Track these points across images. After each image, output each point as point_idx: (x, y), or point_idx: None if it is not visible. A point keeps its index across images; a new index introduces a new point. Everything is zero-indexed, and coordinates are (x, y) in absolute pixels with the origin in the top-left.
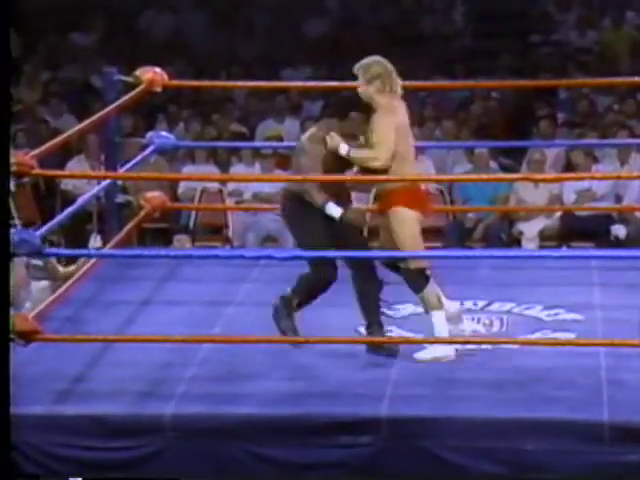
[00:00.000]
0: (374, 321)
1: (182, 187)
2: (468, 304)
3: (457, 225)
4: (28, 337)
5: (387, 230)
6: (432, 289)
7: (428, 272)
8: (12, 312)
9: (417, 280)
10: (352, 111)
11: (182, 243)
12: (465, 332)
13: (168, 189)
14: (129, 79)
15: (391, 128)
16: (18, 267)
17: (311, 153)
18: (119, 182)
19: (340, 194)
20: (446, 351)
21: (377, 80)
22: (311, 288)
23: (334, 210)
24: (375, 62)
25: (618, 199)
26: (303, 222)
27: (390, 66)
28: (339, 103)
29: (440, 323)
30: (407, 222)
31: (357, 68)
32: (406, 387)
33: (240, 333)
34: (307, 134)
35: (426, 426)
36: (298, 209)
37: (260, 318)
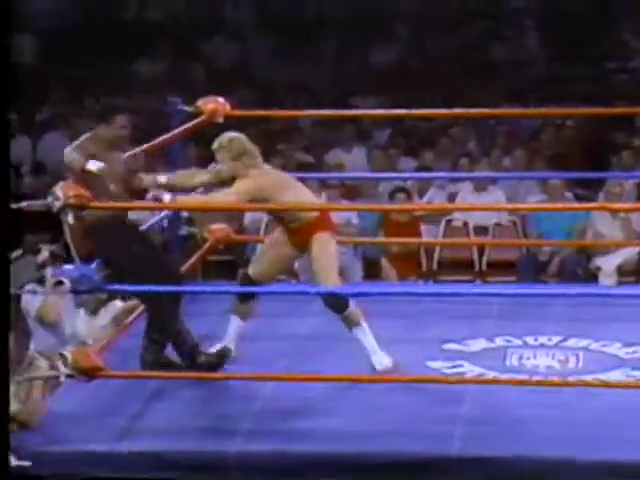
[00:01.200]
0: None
1: (248, 218)
2: (542, 339)
3: (531, 259)
4: (90, 374)
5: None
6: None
7: None
8: (73, 348)
9: (338, 300)
10: None
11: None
12: (539, 368)
13: (234, 221)
14: (191, 109)
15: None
16: (57, 300)
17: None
18: (184, 213)
19: None
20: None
21: (243, 156)
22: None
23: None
24: (236, 138)
25: None
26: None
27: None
28: None
29: (367, 336)
30: (331, 244)
31: (217, 145)
32: (476, 425)
33: (307, 369)
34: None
35: (498, 466)
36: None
37: (329, 352)
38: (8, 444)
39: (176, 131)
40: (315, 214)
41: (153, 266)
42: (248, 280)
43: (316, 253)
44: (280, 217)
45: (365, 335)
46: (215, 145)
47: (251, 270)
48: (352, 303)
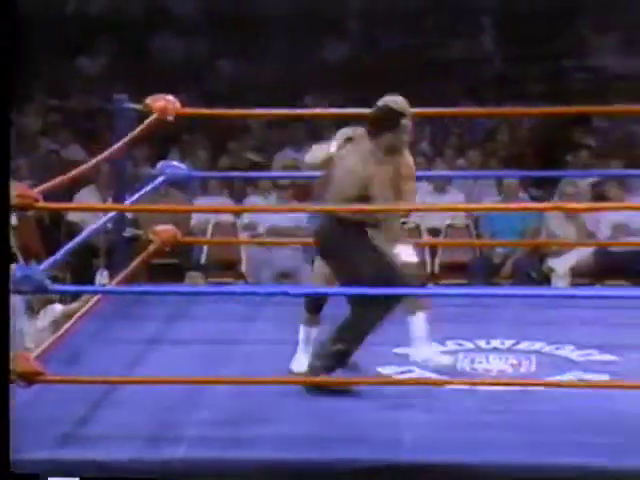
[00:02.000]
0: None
1: (194, 220)
2: (495, 343)
3: (484, 261)
4: (30, 378)
5: None
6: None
7: None
8: (12, 352)
9: None
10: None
11: (194, 280)
12: (492, 372)
13: (182, 223)
14: (140, 107)
15: None
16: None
17: None
18: (128, 215)
19: None
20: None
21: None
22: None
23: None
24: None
25: None
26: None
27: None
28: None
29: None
30: None
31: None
32: (425, 430)
33: (254, 374)
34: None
35: (448, 473)
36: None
37: (273, 358)
38: (8, 444)
39: (135, 132)
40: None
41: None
42: None
43: None
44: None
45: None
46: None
47: None
48: None
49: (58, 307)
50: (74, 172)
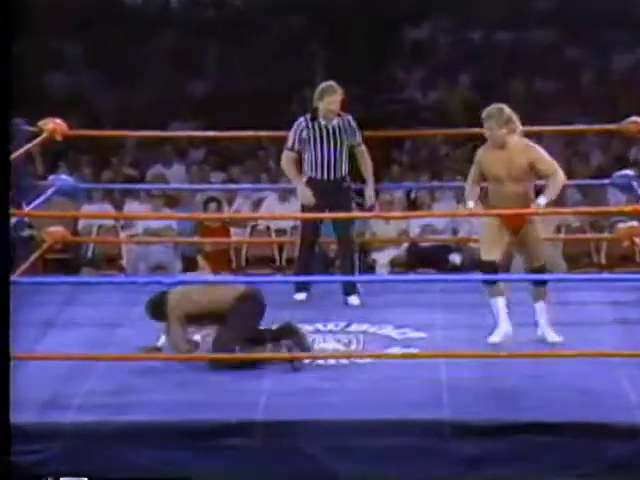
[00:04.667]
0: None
1: (82, 223)
2: (330, 326)
3: (322, 255)
4: None
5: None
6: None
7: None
8: None
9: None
10: None
11: (88, 274)
12: (327, 350)
13: (70, 225)
14: (34, 129)
15: None
16: None
17: None
18: (26, 219)
19: None
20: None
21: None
22: None
23: None
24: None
25: (454, 232)
26: None
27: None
28: None
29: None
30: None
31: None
32: (277, 396)
33: (132, 351)
34: None
35: (296, 429)
36: None
37: (151, 337)
38: (8, 444)
39: (25, 147)
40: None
41: None
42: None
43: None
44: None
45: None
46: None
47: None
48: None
49: None
50: None
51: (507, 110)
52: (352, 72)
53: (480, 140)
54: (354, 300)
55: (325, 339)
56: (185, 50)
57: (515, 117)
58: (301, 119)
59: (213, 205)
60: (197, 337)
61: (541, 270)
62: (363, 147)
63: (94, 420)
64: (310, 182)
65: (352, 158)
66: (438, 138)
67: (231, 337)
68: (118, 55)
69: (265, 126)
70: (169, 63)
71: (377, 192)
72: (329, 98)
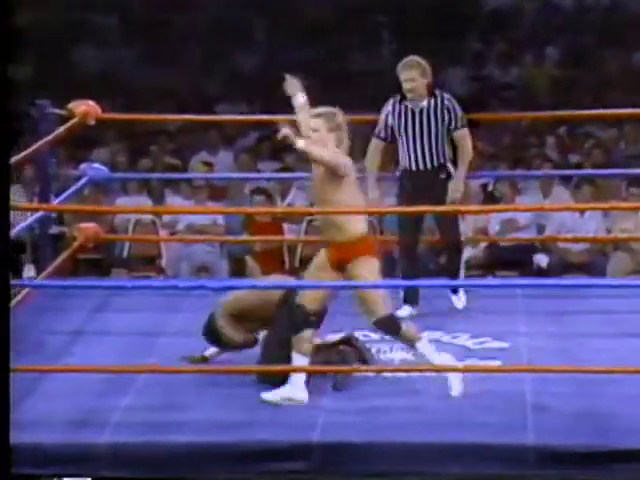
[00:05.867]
0: None
1: (117, 219)
2: None
3: (386, 256)
4: None
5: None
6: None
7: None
8: None
9: (300, 319)
10: None
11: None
12: (395, 360)
13: (104, 220)
14: (63, 112)
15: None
16: None
17: None
18: (53, 214)
19: None
20: (298, 395)
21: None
22: None
23: None
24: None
25: (540, 229)
26: None
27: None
28: None
29: (431, 350)
30: (375, 270)
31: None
32: (337, 415)
33: (175, 363)
34: None
35: (356, 452)
36: None
37: (193, 348)
38: (8, 445)
39: (55, 133)
40: (362, 231)
41: None
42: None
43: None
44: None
45: (429, 349)
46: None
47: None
48: (405, 322)
49: None
50: None
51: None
52: (421, 46)
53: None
54: (458, 303)
55: (392, 348)
56: (232, 20)
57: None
58: (390, 101)
59: (260, 198)
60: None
61: (382, 323)
62: (462, 131)
63: (132, 441)
64: (403, 174)
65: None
66: (522, 122)
67: (279, 347)
68: (157, 26)
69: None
70: (214, 35)
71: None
72: (403, 75)
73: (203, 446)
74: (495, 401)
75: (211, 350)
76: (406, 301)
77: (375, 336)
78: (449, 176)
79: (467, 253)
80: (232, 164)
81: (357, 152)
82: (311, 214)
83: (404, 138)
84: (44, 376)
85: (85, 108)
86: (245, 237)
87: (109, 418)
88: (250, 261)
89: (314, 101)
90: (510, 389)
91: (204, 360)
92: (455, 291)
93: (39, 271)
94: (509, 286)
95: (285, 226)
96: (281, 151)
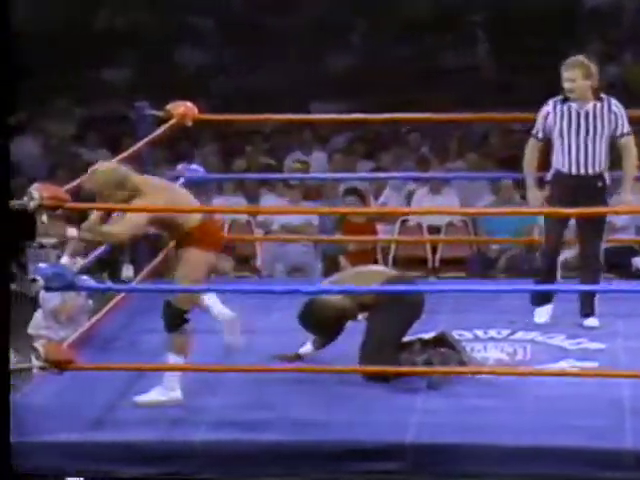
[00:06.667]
0: None
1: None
2: (492, 333)
3: (481, 256)
4: (62, 366)
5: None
6: (183, 336)
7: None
8: (44, 341)
9: (174, 319)
10: None
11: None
12: (489, 360)
13: None
14: (160, 113)
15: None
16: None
17: None
18: None
19: None
20: (171, 395)
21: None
22: None
23: None
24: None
25: (639, 231)
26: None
27: None
28: None
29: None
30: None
31: None
32: (431, 415)
33: (266, 362)
34: None
35: (450, 453)
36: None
37: (287, 347)
38: (9, 445)
39: (153, 134)
40: (196, 224)
41: None
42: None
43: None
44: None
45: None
46: None
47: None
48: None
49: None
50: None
51: None
52: (518, 45)
53: None
54: (592, 322)
55: (486, 348)
56: (329, 21)
57: None
58: (549, 101)
59: (353, 198)
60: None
61: (171, 310)
62: (628, 139)
63: (224, 439)
64: (557, 177)
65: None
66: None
67: (377, 342)
68: (254, 28)
69: (419, 107)
70: (310, 36)
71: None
72: (565, 74)
73: (295, 445)
74: (592, 404)
75: (306, 348)
76: (538, 302)
77: (469, 335)
78: (605, 185)
79: (564, 254)
80: (326, 164)
81: (453, 152)
82: (405, 214)
83: (564, 140)
84: (140, 374)
85: (183, 109)
86: (339, 237)
87: (202, 417)
88: (344, 261)
89: (407, 100)
90: (607, 392)
91: (298, 358)
92: (587, 313)
93: (137, 271)
94: (604, 291)
95: (378, 226)
96: (375, 151)
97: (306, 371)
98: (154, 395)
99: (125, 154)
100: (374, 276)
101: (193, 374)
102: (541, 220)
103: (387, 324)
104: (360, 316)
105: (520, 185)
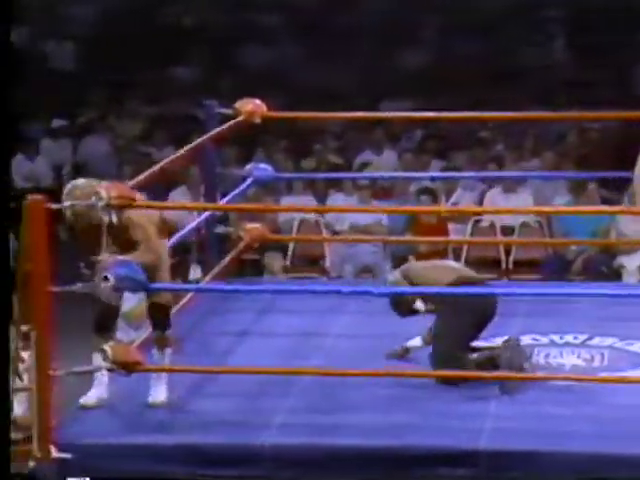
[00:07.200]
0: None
1: (281, 218)
2: (568, 338)
3: (557, 258)
4: (129, 368)
5: None
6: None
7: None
8: (112, 343)
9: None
10: None
11: (272, 261)
12: (566, 366)
13: (268, 220)
14: (229, 111)
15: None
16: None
17: None
18: (219, 213)
19: None
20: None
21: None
22: None
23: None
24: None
25: None
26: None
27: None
28: None
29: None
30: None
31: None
32: (505, 421)
33: (338, 365)
34: None
35: (524, 460)
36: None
37: (356, 350)
38: (8, 444)
39: (215, 131)
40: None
41: None
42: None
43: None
44: None
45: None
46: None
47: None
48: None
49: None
50: (155, 168)
51: None
52: (595, 42)
53: None
54: None
55: (562, 353)
56: (400, 17)
57: None
58: None
59: (426, 197)
60: None
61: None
62: None
63: (294, 443)
64: None
65: None
66: None
67: (447, 346)
68: (323, 25)
69: (493, 105)
70: (381, 33)
71: (626, 182)
72: None
73: (367, 449)
74: None
75: (414, 341)
76: None
77: (544, 340)
78: None
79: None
80: (396, 163)
81: (529, 150)
82: (478, 213)
83: None
84: (209, 377)
85: (252, 107)
86: (409, 237)
87: (272, 419)
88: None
89: (481, 98)
90: None
91: (406, 352)
92: None
93: (205, 272)
94: None
95: (450, 226)
96: (447, 149)
97: (377, 375)
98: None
99: (190, 150)
100: (447, 273)
101: (261, 376)
102: (618, 220)
103: (456, 327)
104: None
105: (601, 184)
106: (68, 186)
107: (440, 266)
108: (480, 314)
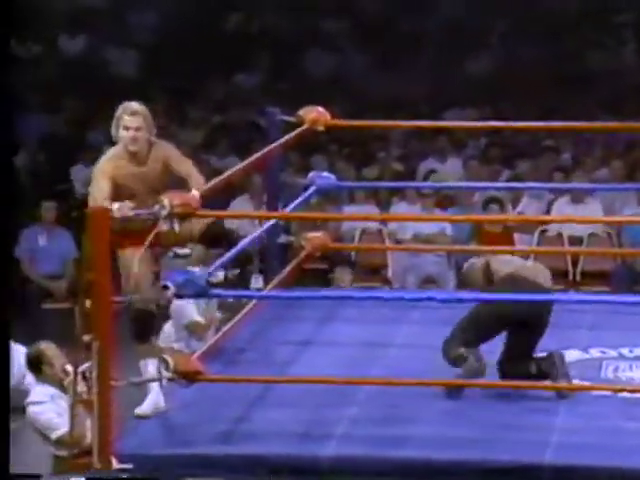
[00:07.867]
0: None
1: (343, 227)
2: (638, 351)
3: (626, 269)
4: (191, 378)
5: None
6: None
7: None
8: (173, 353)
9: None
10: None
11: (342, 275)
12: (635, 379)
13: (330, 229)
14: (292, 119)
15: None
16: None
17: None
18: (281, 222)
19: None
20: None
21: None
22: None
23: None
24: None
25: None
26: None
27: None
28: None
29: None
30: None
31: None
32: (571, 434)
33: (400, 375)
34: None
35: (589, 476)
36: None
37: (419, 360)
38: (8, 444)
39: (282, 139)
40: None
41: None
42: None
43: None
44: None
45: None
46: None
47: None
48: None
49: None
50: (220, 178)
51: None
52: None
53: None
54: None
55: (631, 367)
56: (466, 24)
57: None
58: None
59: (495, 206)
60: None
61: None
62: None
63: (356, 454)
64: None
65: None
66: None
67: (518, 360)
68: (388, 31)
69: (561, 112)
70: (446, 40)
71: None
72: None
73: (429, 463)
74: None
75: None
76: None
77: (613, 353)
78: None
79: None
80: (461, 170)
81: (597, 159)
82: (544, 222)
83: None
84: (272, 386)
85: (315, 115)
86: (473, 247)
87: (334, 430)
88: None
89: (548, 105)
90: None
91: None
92: None
93: (266, 281)
94: None
95: (516, 236)
96: (512, 157)
97: (441, 385)
98: (150, 404)
99: (253, 158)
100: (512, 265)
101: (322, 386)
102: None
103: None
104: None
105: None
106: None
107: (529, 267)
108: (522, 319)
